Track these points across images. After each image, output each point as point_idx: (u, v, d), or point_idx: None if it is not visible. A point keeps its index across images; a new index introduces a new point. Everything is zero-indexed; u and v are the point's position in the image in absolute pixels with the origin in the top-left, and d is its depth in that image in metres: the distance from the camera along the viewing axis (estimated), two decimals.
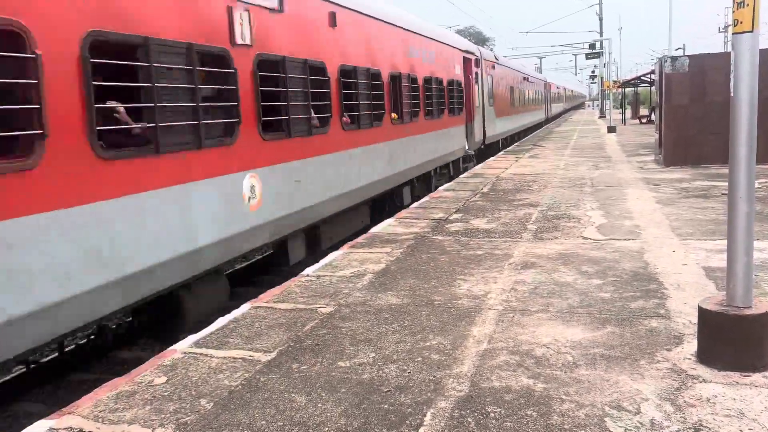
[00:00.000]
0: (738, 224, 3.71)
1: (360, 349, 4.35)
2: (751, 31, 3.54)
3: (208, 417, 3.46)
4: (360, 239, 8.07)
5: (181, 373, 4.07)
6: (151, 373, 4.11)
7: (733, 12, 3.61)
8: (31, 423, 3.53)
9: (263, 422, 3.38)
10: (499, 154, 21.09)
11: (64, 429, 3.39)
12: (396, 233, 8.31)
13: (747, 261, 3.72)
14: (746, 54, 3.58)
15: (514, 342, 4.34)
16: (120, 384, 3.95)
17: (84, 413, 3.56)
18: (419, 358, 4.13)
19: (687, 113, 14.26)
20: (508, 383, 3.70)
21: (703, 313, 3.82)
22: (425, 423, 3.28)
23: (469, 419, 3.30)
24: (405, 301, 5.36)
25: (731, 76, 3.65)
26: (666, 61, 14.61)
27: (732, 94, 3.66)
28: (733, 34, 3.64)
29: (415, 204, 10.91)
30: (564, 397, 3.49)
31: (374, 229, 8.68)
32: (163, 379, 4.00)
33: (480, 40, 62.89)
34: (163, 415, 3.50)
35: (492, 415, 3.33)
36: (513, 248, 7.13)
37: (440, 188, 12.87)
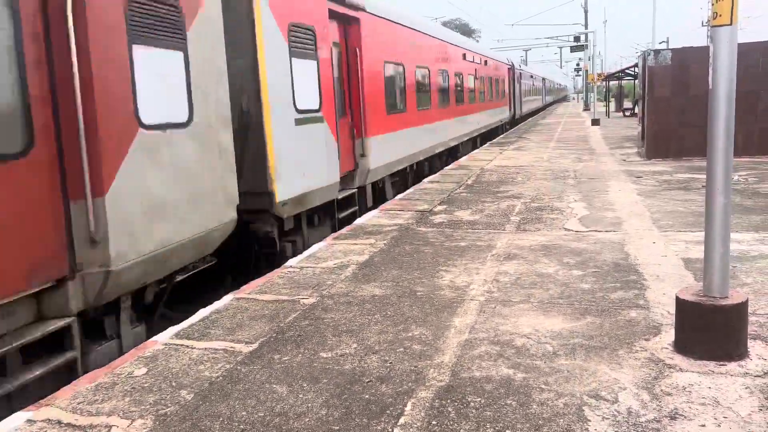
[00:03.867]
0: (715, 215, 3.76)
1: (342, 339, 4.36)
2: (730, 24, 3.57)
3: (188, 408, 3.45)
4: (344, 230, 8.06)
5: (161, 365, 4.05)
6: (131, 364, 4.08)
7: (712, 5, 3.63)
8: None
9: (244, 413, 3.37)
10: (484, 146, 21.15)
11: (42, 421, 3.36)
12: (380, 224, 8.31)
13: (724, 252, 3.77)
14: (725, 47, 3.61)
15: (495, 332, 4.37)
16: (99, 375, 3.92)
17: (62, 405, 3.53)
18: (401, 349, 4.15)
19: (669, 106, 14.39)
20: (489, 373, 3.73)
21: (680, 303, 3.87)
22: (406, 412, 3.30)
23: (450, 409, 3.32)
24: (388, 292, 5.37)
25: (710, 69, 3.68)
26: (649, 54, 14.71)
27: (710, 87, 3.70)
28: (711, 26, 3.67)
29: (400, 195, 10.92)
30: (543, 386, 3.53)
31: (358, 221, 8.68)
32: (144, 370, 3.98)
33: (466, 32, 62.82)
34: (142, 407, 3.48)
35: (472, 404, 3.36)
36: (496, 240, 7.17)
37: (425, 180, 12.89)
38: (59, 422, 3.34)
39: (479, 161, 15.95)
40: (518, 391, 3.47)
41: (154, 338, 4.56)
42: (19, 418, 3.40)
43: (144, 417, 3.36)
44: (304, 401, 3.48)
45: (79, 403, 3.55)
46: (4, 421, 3.39)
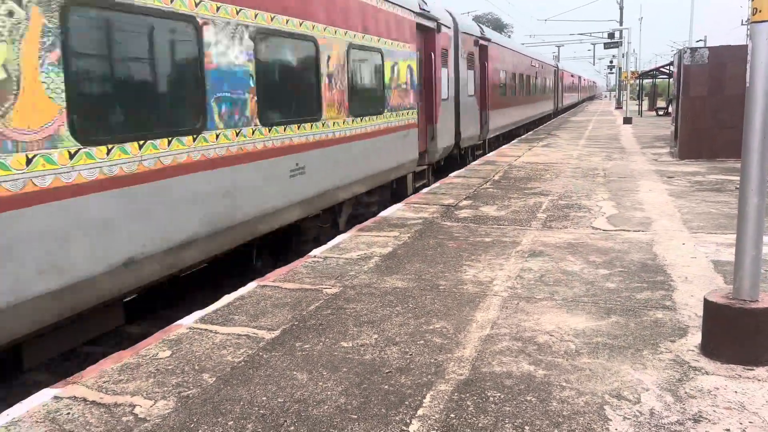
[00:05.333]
0: (748, 217, 3.67)
1: (363, 330, 4.37)
2: None
3: (210, 391, 3.50)
4: (368, 222, 8.07)
5: (185, 348, 4.12)
6: (155, 346, 4.16)
7: (752, 0, 3.53)
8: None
9: (264, 398, 3.41)
10: (513, 142, 20.96)
11: (68, 398, 3.44)
12: (405, 218, 8.30)
13: (755, 254, 3.68)
14: (764, 44, 3.50)
15: (517, 328, 4.33)
16: (125, 356, 4.00)
17: (88, 383, 3.61)
18: (421, 341, 4.14)
19: (704, 106, 14.07)
20: (509, 369, 3.70)
21: (708, 305, 3.79)
22: (424, 404, 3.30)
23: (468, 402, 3.31)
24: (410, 285, 5.37)
25: (748, 66, 3.59)
26: (685, 52, 14.39)
27: (748, 85, 3.60)
28: (750, 23, 3.57)
29: (425, 189, 10.89)
30: (564, 384, 3.49)
31: (383, 213, 8.68)
32: (168, 353, 4.05)
33: (498, 26, 62.26)
34: (165, 388, 3.54)
35: (491, 399, 3.34)
36: (521, 236, 7.10)
37: (451, 174, 12.82)
38: (85, 400, 3.42)
39: (507, 157, 15.81)
40: (538, 388, 3.45)
41: (179, 322, 4.63)
42: (46, 394, 3.49)
43: (167, 398, 3.42)
44: (323, 389, 3.50)
45: (104, 382, 3.63)
46: (32, 396, 3.48)
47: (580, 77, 66.91)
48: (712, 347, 3.79)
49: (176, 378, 3.67)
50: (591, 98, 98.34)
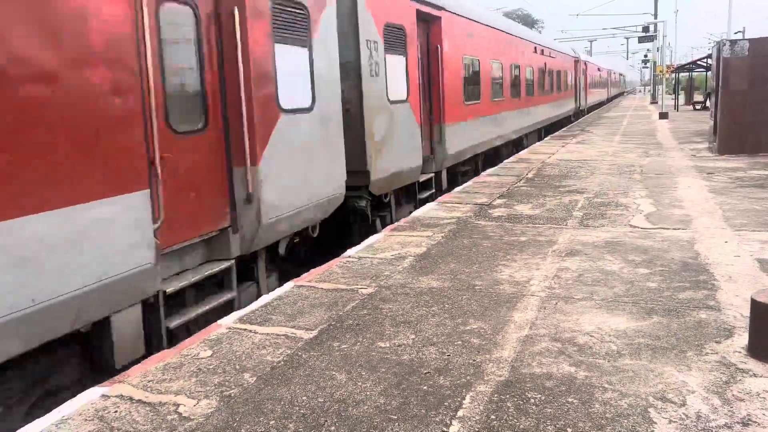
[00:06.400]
0: None
1: (400, 330, 4.38)
2: None
3: (251, 391, 3.55)
4: (401, 222, 8.08)
5: (225, 348, 4.18)
6: (197, 346, 4.23)
7: None
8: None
9: (304, 398, 3.44)
10: (546, 138, 20.72)
11: (115, 396, 3.53)
12: (438, 217, 8.28)
13: None
14: None
15: (556, 329, 4.29)
16: (168, 356, 4.08)
17: (134, 382, 3.70)
18: (459, 342, 4.13)
19: (745, 100, 13.68)
20: (549, 370, 3.66)
21: (756, 305, 3.69)
22: (464, 405, 3.29)
23: (509, 404, 3.29)
24: (446, 285, 5.36)
25: None
26: (724, 44, 14.01)
27: None
28: None
29: (458, 188, 10.84)
30: (606, 386, 3.44)
31: (416, 213, 8.67)
32: (209, 352, 4.12)
33: (528, 22, 61.60)
34: (207, 387, 3.61)
35: (532, 400, 3.31)
36: (557, 235, 7.02)
37: (484, 173, 12.74)
38: (131, 399, 3.50)
39: (540, 154, 15.63)
40: (580, 390, 3.40)
41: (219, 322, 4.71)
42: (94, 392, 3.58)
43: (209, 397, 3.48)
44: (362, 389, 3.52)
45: (149, 381, 3.71)
46: (81, 394, 3.58)
47: (611, 72, 54.72)
48: (759, 348, 3.69)
49: (218, 377, 3.73)
50: (620, 94, 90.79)
